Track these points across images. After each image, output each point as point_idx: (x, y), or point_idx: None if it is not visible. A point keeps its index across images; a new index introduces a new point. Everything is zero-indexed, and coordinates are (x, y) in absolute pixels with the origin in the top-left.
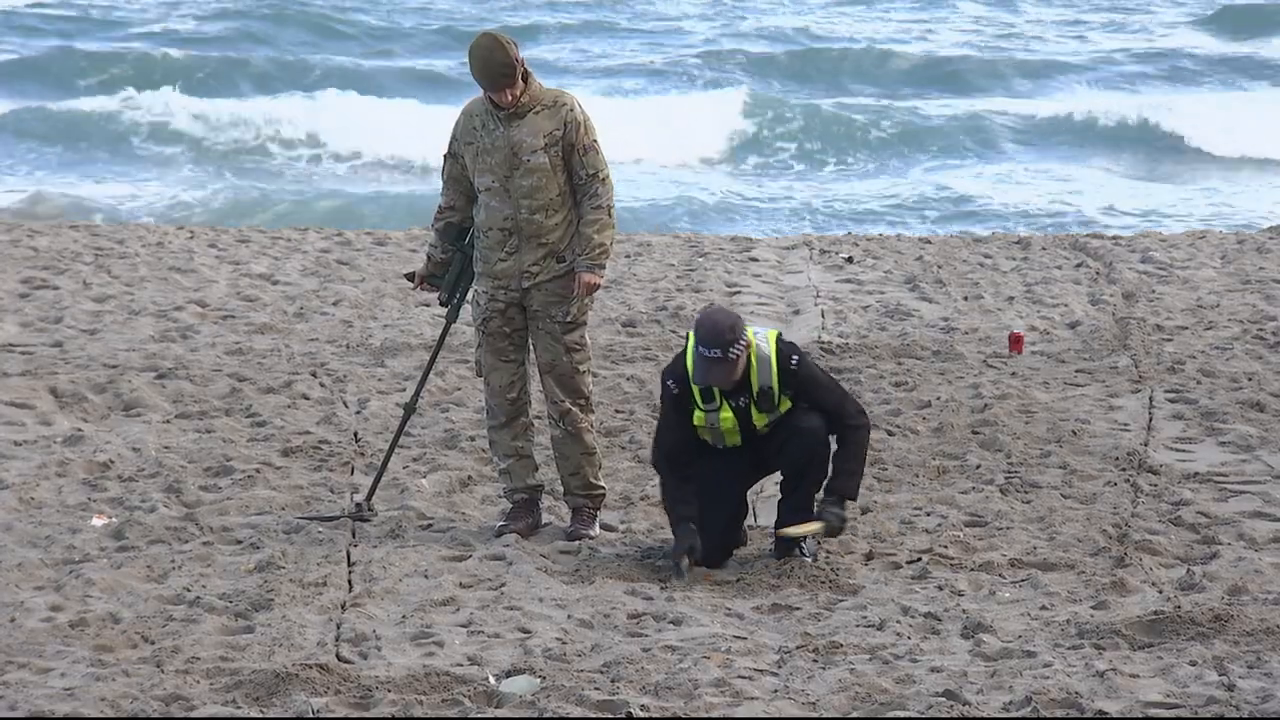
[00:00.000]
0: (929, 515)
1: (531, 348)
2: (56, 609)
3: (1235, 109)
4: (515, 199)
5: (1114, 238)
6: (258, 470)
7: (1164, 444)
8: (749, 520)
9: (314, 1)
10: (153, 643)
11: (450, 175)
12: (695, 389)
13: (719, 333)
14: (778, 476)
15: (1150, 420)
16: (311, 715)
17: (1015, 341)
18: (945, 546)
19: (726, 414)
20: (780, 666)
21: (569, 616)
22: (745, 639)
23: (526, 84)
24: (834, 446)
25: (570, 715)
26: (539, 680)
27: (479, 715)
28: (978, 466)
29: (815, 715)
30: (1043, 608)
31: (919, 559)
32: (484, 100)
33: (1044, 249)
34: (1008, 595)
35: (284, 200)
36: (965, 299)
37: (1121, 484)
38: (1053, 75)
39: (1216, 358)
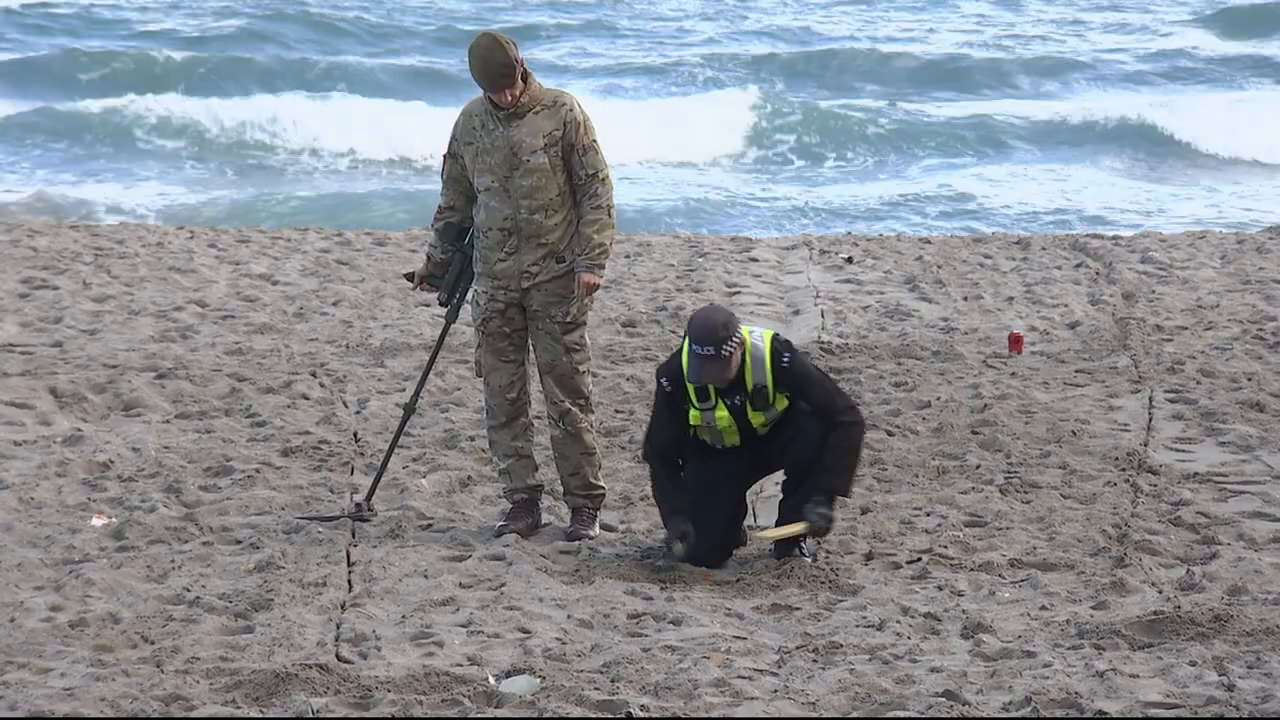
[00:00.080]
0: (929, 515)
1: (531, 348)
2: (56, 609)
3: (1236, 109)
4: (515, 199)
5: (1114, 238)
6: (257, 470)
7: (1164, 444)
8: (749, 520)
9: (314, 1)
10: (153, 643)
11: (450, 175)
12: (690, 388)
13: (712, 330)
14: (778, 476)
15: (1150, 420)
16: (311, 715)
17: (1015, 342)
18: (945, 546)
19: (722, 413)
20: (780, 666)
21: (569, 616)
22: (745, 639)
23: (526, 84)
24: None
25: (570, 715)
26: (539, 680)
27: (479, 715)
28: (977, 466)
29: (815, 715)
30: (1042, 608)
31: (919, 559)
32: (484, 100)
33: (1044, 249)
34: (1007, 595)
35: (284, 200)
36: (965, 299)
37: (1121, 484)
38: (1053, 75)
39: (1216, 358)
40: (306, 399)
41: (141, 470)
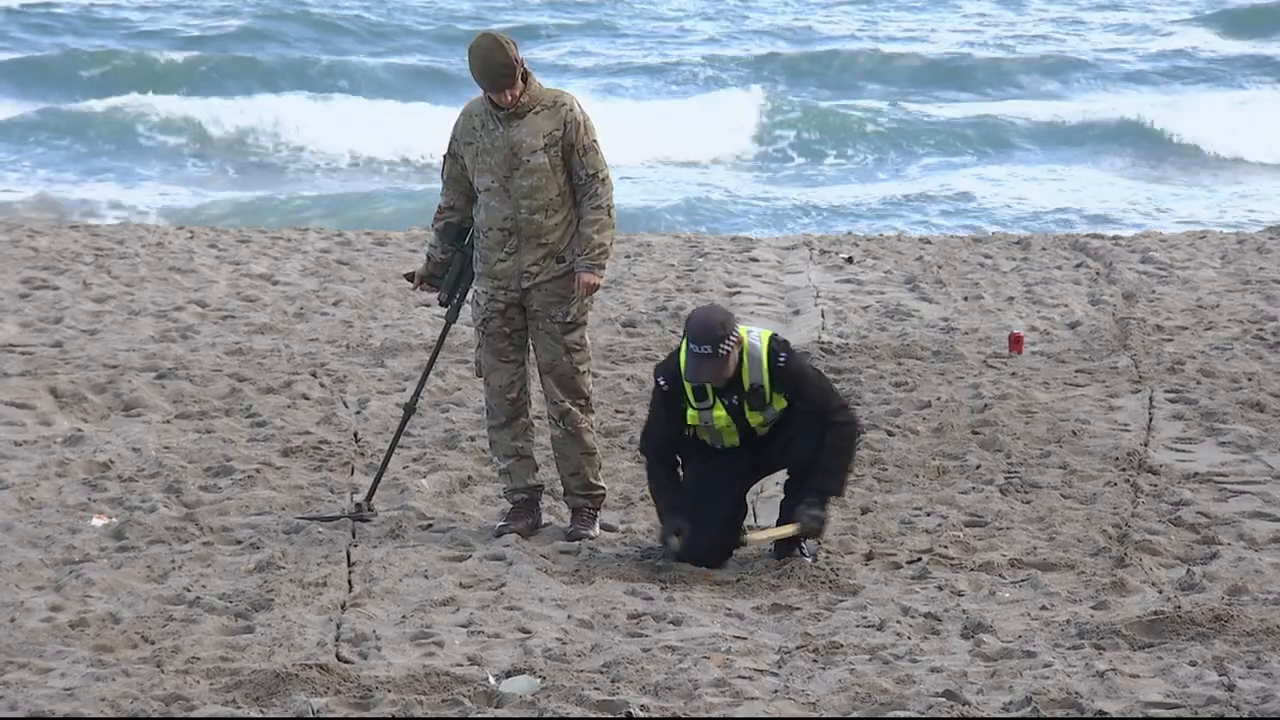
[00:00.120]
0: (929, 515)
1: (531, 348)
2: (56, 609)
3: (1236, 109)
4: (515, 199)
5: (1114, 238)
6: (258, 470)
7: (1164, 444)
8: (749, 520)
9: (315, 0)
10: (153, 643)
11: (450, 175)
12: (688, 387)
13: (709, 329)
14: (778, 476)
15: (1150, 420)
16: (311, 715)
17: (1015, 342)
18: (945, 546)
19: (720, 412)
20: (780, 667)
21: (569, 616)
22: (745, 639)
23: (526, 84)
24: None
25: (570, 715)
26: (539, 680)
27: (479, 715)
28: (978, 466)
29: (815, 715)
30: (1043, 608)
31: (919, 559)
32: (484, 100)
33: (1044, 249)
34: (1008, 595)
35: (285, 199)
36: (965, 299)
37: (1121, 484)
38: (1054, 74)
39: (1216, 358)
40: (307, 399)
41: (141, 470)
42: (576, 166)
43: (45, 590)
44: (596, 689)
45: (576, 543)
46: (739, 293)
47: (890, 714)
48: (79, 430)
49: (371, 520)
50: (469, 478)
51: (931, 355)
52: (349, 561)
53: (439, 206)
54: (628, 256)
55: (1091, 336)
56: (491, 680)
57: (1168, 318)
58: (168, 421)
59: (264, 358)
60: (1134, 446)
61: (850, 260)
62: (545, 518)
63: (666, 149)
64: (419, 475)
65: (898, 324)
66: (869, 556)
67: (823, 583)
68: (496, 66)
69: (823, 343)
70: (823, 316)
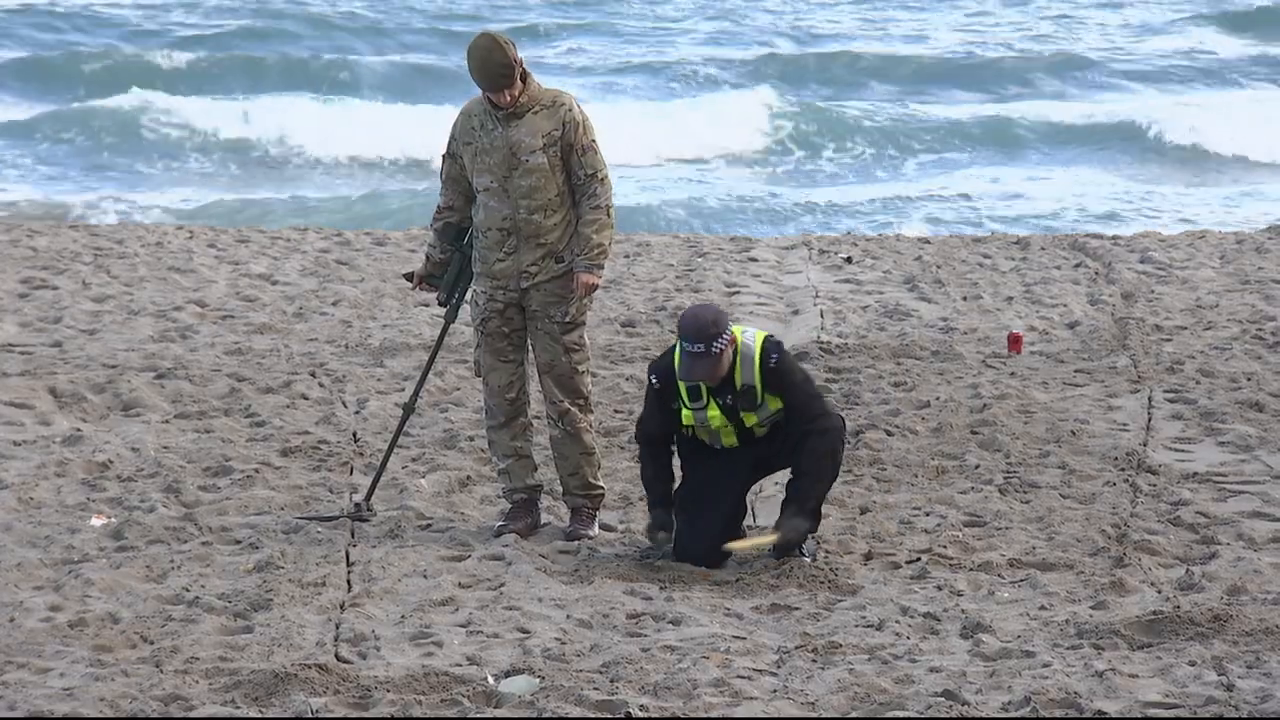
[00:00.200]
0: (928, 515)
1: (530, 348)
2: (56, 609)
3: (1237, 108)
4: (514, 199)
5: (1113, 238)
6: (257, 470)
7: (1163, 444)
8: (748, 520)
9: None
10: (152, 643)
11: (449, 175)
12: (682, 387)
13: (702, 327)
14: (778, 476)
15: (1149, 420)
16: (311, 715)
17: (1014, 341)
18: (944, 546)
19: (714, 412)
20: (779, 666)
21: (568, 616)
22: (744, 639)
23: (525, 84)
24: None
25: (569, 715)
26: (538, 680)
27: (478, 715)
28: (977, 466)
29: (814, 715)
30: (1042, 608)
31: (918, 559)
32: (483, 100)
33: (1043, 249)
34: (1007, 595)
35: (286, 199)
36: (964, 299)
37: (1120, 484)
38: (1054, 74)
39: (1215, 358)
40: (306, 399)
41: (141, 470)
42: (575, 166)
43: (44, 590)
44: (595, 689)
45: (575, 543)
46: (738, 293)
47: (889, 714)
48: (78, 430)
49: (370, 520)
50: (468, 478)
51: (930, 355)
52: (348, 561)
53: (438, 206)
54: (627, 256)
55: (1090, 336)
56: (491, 680)
57: (1167, 318)
58: (167, 421)
59: (263, 357)
60: (1133, 446)
61: (849, 260)
62: (544, 517)
63: (666, 149)
64: (418, 475)
65: (897, 324)
66: (868, 556)
67: (822, 583)
68: (495, 66)
69: (822, 343)
70: (822, 316)
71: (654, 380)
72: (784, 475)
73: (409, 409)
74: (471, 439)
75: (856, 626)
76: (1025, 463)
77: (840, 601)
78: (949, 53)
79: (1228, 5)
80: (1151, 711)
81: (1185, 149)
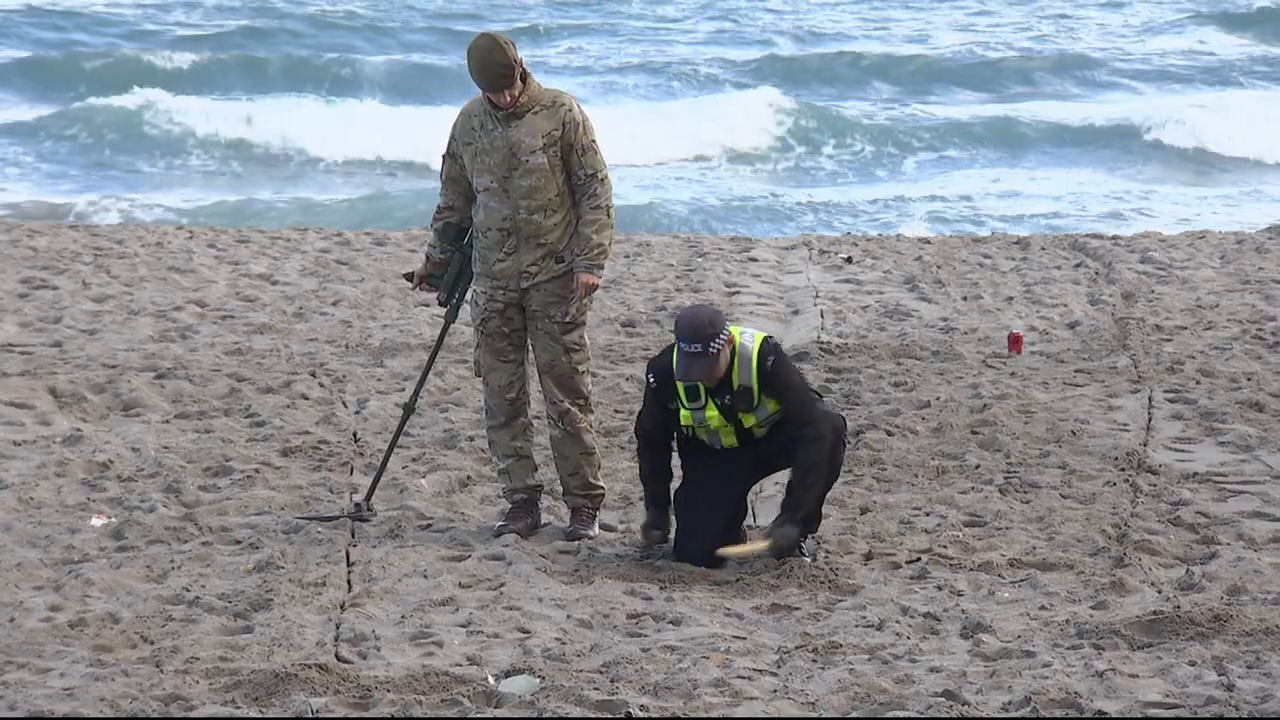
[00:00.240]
0: (928, 515)
1: (530, 348)
2: (56, 609)
3: (1237, 108)
4: (514, 199)
5: (1113, 238)
6: (257, 470)
7: (1163, 444)
8: (748, 520)
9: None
10: (152, 643)
11: (449, 175)
12: (680, 387)
13: (699, 327)
14: (779, 476)
15: (1149, 420)
16: (311, 715)
17: (1014, 341)
18: (944, 546)
19: (712, 412)
20: (780, 666)
21: (568, 616)
22: (745, 639)
23: (525, 84)
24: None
25: (570, 715)
26: (538, 680)
27: (478, 715)
28: (977, 466)
29: (815, 715)
30: (1042, 608)
31: (918, 559)
32: (483, 100)
33: (1043, 249)
34: (1007, 595)
35: (287, 199)
36: (964, 299)
37: (1121, 484)
38: (1055, 74)
39: (1216, 358)
40: (306, 399)
41: (141, 470)
42: (575, 166)
43: (44, 590)
44: (596, 689)
45: (576, 543)
46: (738, 293)
47: (889, 714)
48: (78, 430)
49: (370, 520)
50: (468, 478)
51: (931, 355)
52: (348, 561)
53: (438, 206)
54: (627, 256)
55: (1091, 336)
56: (491, 680)
57: (1167, 318)
58: (167, 421)
59: (263, 358)
60: (1133, 446)
61: (849, 260)
62: (544, 517)
63: (666, 149)
64: (418, 475)
65: (897, 324)
66: (868, 556)
67: (822, 583)
68: (495, 67)
69: (822, 343)
70: (822, 316)
71: (651, 380)
72: (784, 475)
73: (409, 409)
74: (472, 439)
75: (857, 626)
76: (1025, 463)
77: (840, 601)
78: (950, 52)
79: (1228, 5)
80: (1151, 711)
81: (1185, 149)
